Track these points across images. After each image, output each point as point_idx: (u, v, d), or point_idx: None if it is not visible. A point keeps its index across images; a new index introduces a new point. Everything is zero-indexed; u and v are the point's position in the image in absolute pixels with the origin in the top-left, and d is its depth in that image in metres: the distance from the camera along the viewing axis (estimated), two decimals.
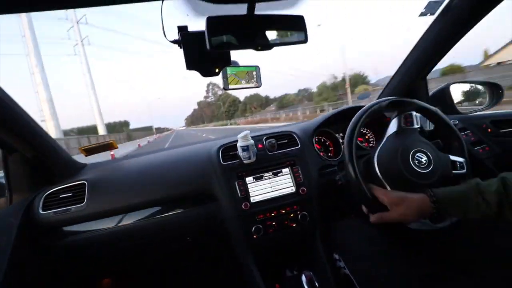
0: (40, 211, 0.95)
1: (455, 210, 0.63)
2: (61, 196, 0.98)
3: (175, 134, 41.31)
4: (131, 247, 1.03)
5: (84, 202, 0.96)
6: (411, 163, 0.77)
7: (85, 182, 1.00)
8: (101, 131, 27.39)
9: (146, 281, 1.53)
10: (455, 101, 1.30)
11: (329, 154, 1.19)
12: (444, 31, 1.03)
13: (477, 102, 1.36)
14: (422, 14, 1.00)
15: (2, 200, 1.03)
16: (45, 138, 0.98)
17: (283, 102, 60.90)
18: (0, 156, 1.01)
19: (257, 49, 0.66)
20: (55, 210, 0.95)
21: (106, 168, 1.11)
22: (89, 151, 1.18)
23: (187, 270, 1.54)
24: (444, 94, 1.30)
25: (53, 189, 0.99)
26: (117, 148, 1.24)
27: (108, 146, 1.20)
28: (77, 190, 0.99)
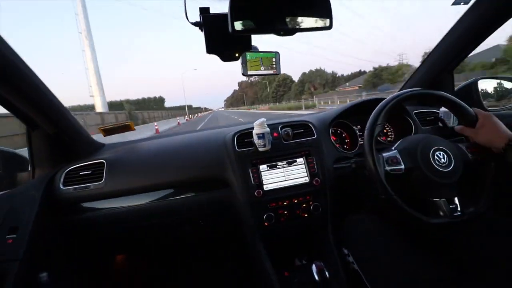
0: (61, 186, 0.99)
1: None
2: (80, 173, 1.01)
3: (211, 117, 36.59)
4: (145, 226, 1.06)
5: (103, 180, 0.99)
6: (432, 161, 0.75)
7: (104, 161, 1.03)
8: (99, 106, 18.79)
9: (159, 260, 1.59)
10: (483, 97, 1.23)
11: (345, 146, 1.17)
12: (478, 21, 0.97)
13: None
14: (456, 3, 0.94)
15: (25, 174, 1.08)
16: (67, 116, 1.01)
17: (383, 77, 36.21)
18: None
19: (279, 34, 0.64)
20: (75, 186, 0.99)
21: (123, 148, 1.14)
22: (107, 131, 1.21)
23: (199, 253, 1.58)
24: (471, 90, 1.24)
25: (74, 166, 1.03)
26: (135, 130, 1.26)
27: (126, 127, 1.22)
28: (96, 168, 1.02)
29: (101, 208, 1.03)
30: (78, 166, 1.03)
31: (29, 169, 1.07)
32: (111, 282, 1.41)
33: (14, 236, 0.84)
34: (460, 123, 0.83)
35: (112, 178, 1.00)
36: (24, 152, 1.12)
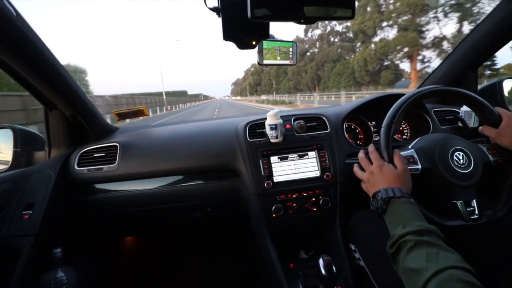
0: (75, 167, 1.02)
1: (391, 220, 0.62)
2: (94, 155, 1.03)
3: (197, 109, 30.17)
4: (155, 210, 1.08)
5: (116, 163, 1.01)
6: (450, 162, 0.72)
7: (117, 144, 1.05)
8: None
9: (167, 243, 1.62)
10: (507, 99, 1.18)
11: (358, 142, 1.15)
12: (509, 17, 0.92)
13: None
14: None
15: (42, 154, 1.11)
16: (84, 99, 1.02)
17: None
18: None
19: (300, 22, 0.62)
20: (88, 167, 1.01)
21: (137, 132, 1.15)
22: (121, 116, 1.23)
23: (206, 239, 1.61)
24: (494, 90, 1.19)
25: (88, 148, 1.05)
26: (147, 115, 1.27)
27: (139, 113, 1.23)
28: (109, 151, 1.04)
29: (113, 190, 1.05)
30: (92, 148, 1.05)
31: (46, 148, 1.10)
32: (120, 262, 1.46)
33: (30, 212, 0.87)
34: (482, 124, 0.80)
35: (125, 162, 1.02)
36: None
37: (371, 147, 0.76)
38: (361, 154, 0.78)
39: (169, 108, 32.99)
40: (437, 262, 0.49)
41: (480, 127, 0.79)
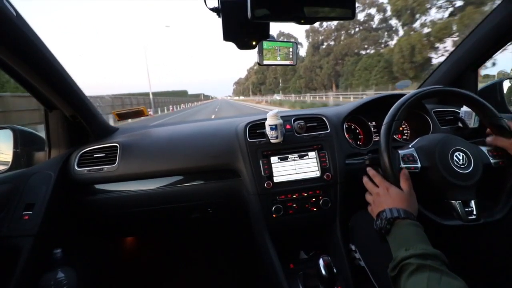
0: (75, 167, 1.01)
1: (394, 241, 0.61)
2: (95, 155, 1.03)
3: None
4: (155, 210, 1.08)
5: (116, 164, 1.01)
6: (450, 161, 0.72)
7: (117, 144, 1.05)
8: None
9: (167, 244, 1.62)
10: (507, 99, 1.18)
11: (359, 142, 1.15)
12: (509, 17, 0.92)
13: None
14: None
15: (42, 154, 1.11)
16: (84, 99, 1.03)
17: None
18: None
19: (300, 23, 0.62)
20: (89, 168, 1.01)
21: (137, 133, 1.15)
22: (121, 116, 1.22)
23: (206, 240, 1.61)
24: (495, 90, 1.19)
25: (88, 148, 1.05)
26: (147, 115, 1.27)
27: (139, 113, 1.23)
28: (110, 152, 1.04)
29: (113, 190, 1.05)
30: (92, 149, 1.05)
31: (46, 149, 1.10)
32: (120, 262, 1.46)
33: (30, 212, 0.87)
34: (482, 124, 0.80)
35: (125, 162, 1.02)
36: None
37: (371, 171, 0.76)
38: (365, 178, 0.78)
39: (151, 114, 25.14)
40: None
41: (490, 139, 0.78)
